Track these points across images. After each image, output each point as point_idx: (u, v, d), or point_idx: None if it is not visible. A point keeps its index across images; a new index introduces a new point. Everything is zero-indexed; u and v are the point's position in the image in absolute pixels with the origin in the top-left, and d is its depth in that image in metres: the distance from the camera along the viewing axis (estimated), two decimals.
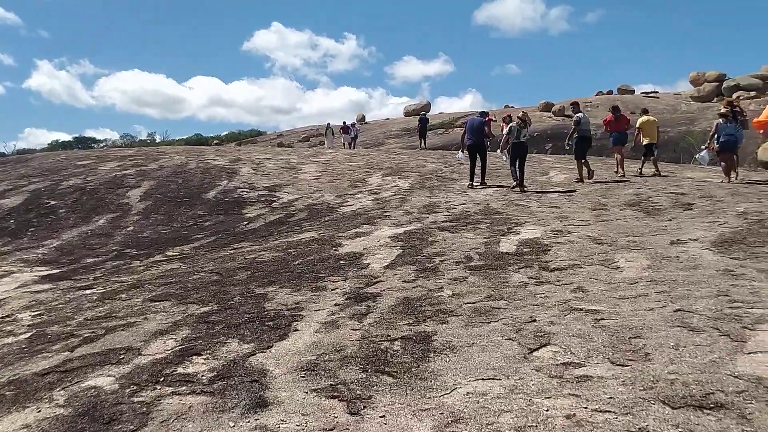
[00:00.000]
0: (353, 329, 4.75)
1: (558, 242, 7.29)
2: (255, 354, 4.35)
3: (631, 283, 5.45)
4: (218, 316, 5.31)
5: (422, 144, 29.57)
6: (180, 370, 4.18)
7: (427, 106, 75.72)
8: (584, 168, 13.28)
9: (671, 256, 6.28)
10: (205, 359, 4.34)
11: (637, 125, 14.66)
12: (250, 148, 30.53)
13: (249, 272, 6.85)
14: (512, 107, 62.66)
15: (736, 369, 3.46)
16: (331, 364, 4.08)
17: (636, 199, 10.15)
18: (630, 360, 3.76)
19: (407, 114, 69.90)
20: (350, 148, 30.30)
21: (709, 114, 46.82)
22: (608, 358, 3.82)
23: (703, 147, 13.39)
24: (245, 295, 5.89)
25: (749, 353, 3.66)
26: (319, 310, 5.31)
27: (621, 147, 14.55)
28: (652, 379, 3.46)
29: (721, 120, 12.49)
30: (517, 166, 12.51)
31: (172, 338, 4.86)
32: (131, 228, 11.59)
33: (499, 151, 13.67)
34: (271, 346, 4.48)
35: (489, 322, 4.71)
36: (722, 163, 12.58)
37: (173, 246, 9.79)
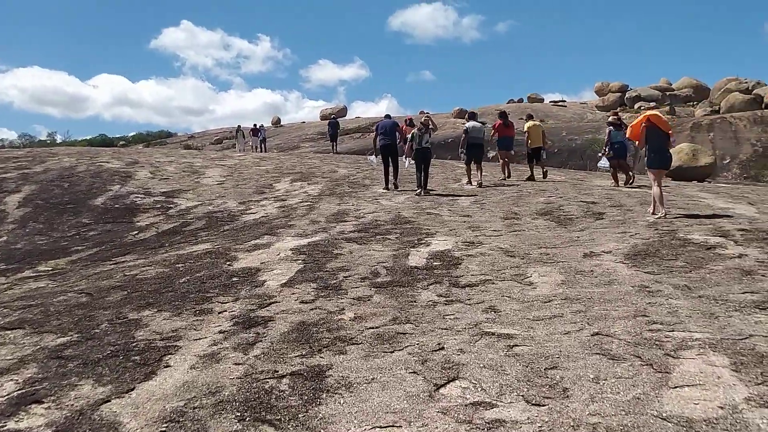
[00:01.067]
0: (236, 363, 4.08)
1: (469, 255, 6.88)
2: (110, 400, 3.59)
3: (546, 302, 5.07)
4: (76, 349, 4.49)
5: (334, 148, 29.26)
6: (10, 425, 3.37)
7: (343, 111, 75.38)
8: (479, 172, 13.61)
9: (585, 270, 5.98)
10: (46, 408, 3.54)
11: (524, 130, 15.11)
12: (153, 150, 28.89)
13: (125, 292, 6.01)
14: (427, 113, 63.30)
15: (663, 408, 3.07)
16: (201, 411, 3.40)
17: (547, 208, 9.97)
18: (547, 398, 3.30)
19: (323, 117, 69.39)
20: (262, 152, 29.42)
21: None
22: (523, 396, 3.35)
23: (600, 154, 14.05)
24: (114, 322, 5.07)
25: (675, 387, 3.29)
26: (199, 339, 4.60)
27: (508, 152, 15.14)
28: (572, 423, 3.01)
29: (612, 128, 13.18)
30: (421, 171, 12.47)
31: (12, 380, 4.02)
32: (4, 238, 10.33)
33: (404, 157, 13.70)
34: (133, 389, 3.74)
35: (392, 351, 4.16)
36: (612, 168, 13.32)
37: (48, 259, 8.71)
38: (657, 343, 3.92)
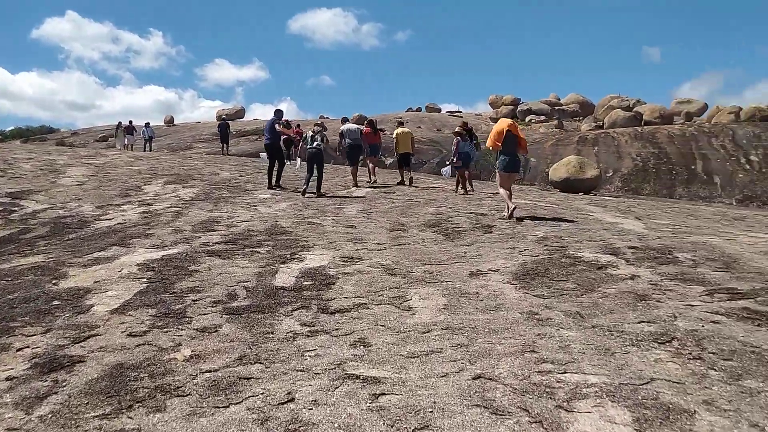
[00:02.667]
0: (9, 429, 3.03)
1: (346, 272, 6.08)
2: None
3: (424, 332, 4.35)
4: None
5: (224, 149, 27.93)
6: None
7: (241, 112, 73.06)
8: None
9: (470, 291, 5.35)
10: None
11: (393, 136, 15.68)
12: (17, 146, 26.14)
13: None
14: (327, 117, 62.43)
15: None
16: None
17: (436, 219, 9.39)
18: None
19: (219, 118, 67.00)
20: (147, 151, 27.49)
21: None
22: None
23: (447, 162, 14.86)
24: None
25: None
26: None
27: (374, 157, 15.86)
28: None
29: (460, 138, 13.80)
30: (314, 173, 12.55)
31: None
32: None
33: (297, 158, 14.44)
34: None
35: (227, 406, 3.27)
36: (457, 176, 14.11)
37: None
38: (548, 390, 3.27)
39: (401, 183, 15.07)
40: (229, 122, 33.49)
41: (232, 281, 5.77)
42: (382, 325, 4.55)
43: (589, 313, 4.63)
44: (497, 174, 9.94)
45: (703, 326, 4.19)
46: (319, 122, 13.78)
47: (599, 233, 7.88)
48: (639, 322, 4.36)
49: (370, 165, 15.62)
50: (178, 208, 10.26)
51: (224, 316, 4.82)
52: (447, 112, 72.75)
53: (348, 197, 12.18)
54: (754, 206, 30.36)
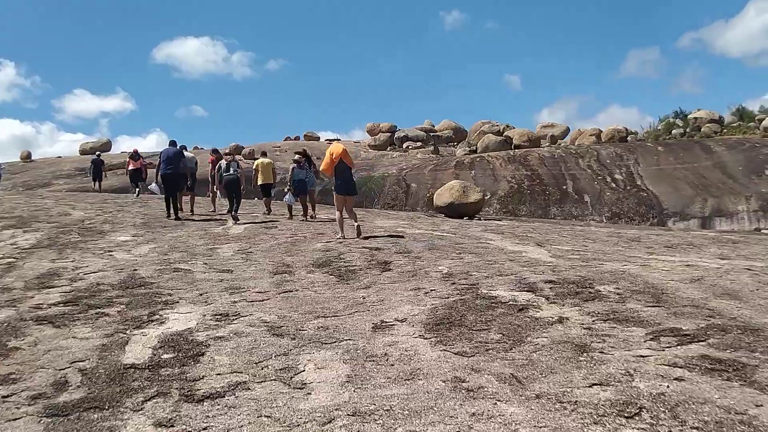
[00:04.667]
0: None
1: (220, 337, 4.84)
2: None
3: (324, 422, 3.25)
4: None
5: (96, 186, 25.51)
6: None
7: (107, 144, 68.17)
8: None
9: (377, 353, 4.31)
10: None
11: (254, 167, 15.76)
12: None
13: None
14: (202, 148, 59.52)
15: None
16: None
17: (325, 257, 8.31)
18: None
19: (83, 152, 62.24)
20: None
21: (385, 161, 50.34)
22: None
23: (286, 190, 14.84)
24: None
25: None
26: None
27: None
28: None
29: (295, 165, 14.20)
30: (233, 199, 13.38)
31: None
32: None
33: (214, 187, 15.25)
34: None
35: None
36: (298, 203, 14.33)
37: None
38: None
39: (268, 213, 15.11)
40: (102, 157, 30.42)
41: (64, 361, 4.35)
42: (267, 416, 3.39)
43: (527, 375, 3.74)
44: (335, 197, 10.50)
45: (668, 387, 3.42)
46: (229, 153, 15.27)
47: (507, 265, 7.16)
48: (590, 386, 3.52)
49: (212, 193, 15.96)
50: (11, 259, 8.43)
51: (43, 420, 3.44)
52: (326, 140, 72.05)
53: (223, 236, 10.81)
54: (623, 222, 31.96)
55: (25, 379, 4.04)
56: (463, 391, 3.57)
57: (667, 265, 7.05)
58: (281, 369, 4.10)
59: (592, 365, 3.81)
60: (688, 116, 54.61)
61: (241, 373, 4.06)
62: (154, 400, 3.68)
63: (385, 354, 4.31)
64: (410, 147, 60.84)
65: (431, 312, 5.29)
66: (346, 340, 4.66)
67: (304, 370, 4.07)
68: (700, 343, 4.07)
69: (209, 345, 4.64)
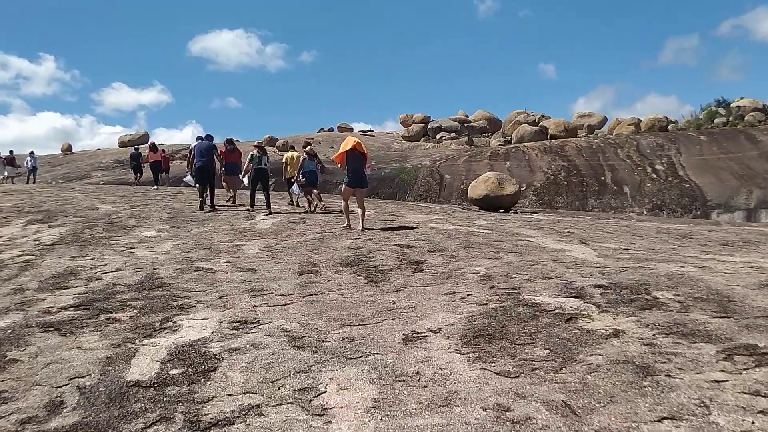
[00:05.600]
0: None
1: (236, 348, 4.40)
2: None
3: None
4: None
5: (135, 179, 25.81)
6: None
7: (144, 137, 68.99)
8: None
9: (408, 372, 3.82)
10: None
11: (283, 160, 15.92)
12: None
13: None
14: (237, 140, 59.83)
15: None
16: None
17: (355, 255, 7.84)
18: None
19: (122, 144, 63.34)
20: (30, 183, 24.67)
21: (419, 152, 49.78)
22: None
23: (293, 180, 14.80)
24: None
25: None
26: None
27: (233, 177, 15.97)
28: None
29: (306, 157, 14.16)
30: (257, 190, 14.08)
31: None
32: None
33: (241, 175, 15.33)
34: None
35: None
36: (307, 195, 14.46)
37: None
38: None
39: (291, 203, 15.51)
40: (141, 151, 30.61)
41: (63, 377, 3.96)
42: None
43: (582, 404, 3.20)
44: (343, 187, 10.63)
45: (753, 424, 2.85)
46: (257, 143, 14.61)
47: (550, 266, 6.59)
48: (660, 419, 2.97)
49: (225, 185, 16.07)
50: (31, 257, 8.18)
51: None
52: (359, 131, 71.79)
53: (250, 231, 10.43)
54: (664, 215, 30.84)
55: (17, 399, 3.66)
56: (507, 423, 3.06)
57: (728, 266, 6.38)
58: (300, 390, 3.64)
59: (658, 392, 3.25)
60: (731, 104, 52.63)
61: (255, 393, 3.62)
62: (155, 427, 3.25)
63: (417, 372, 3.81)
64: (444, 138, 60.15)
65: (468, 321, 4.77)
66: (374, 354, 4.18)
67: (325, 392, 3.60)
68: None
69: (223, 359, 4.20)
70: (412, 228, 10.33)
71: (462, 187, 35.07)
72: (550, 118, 58.26)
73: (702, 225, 13.92)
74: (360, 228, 10.08)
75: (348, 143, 10.41)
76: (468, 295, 5.59)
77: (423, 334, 4.58)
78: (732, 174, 34.23)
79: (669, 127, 48.64)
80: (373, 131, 73.82)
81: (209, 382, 3.82)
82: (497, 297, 5.40)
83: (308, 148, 14.59)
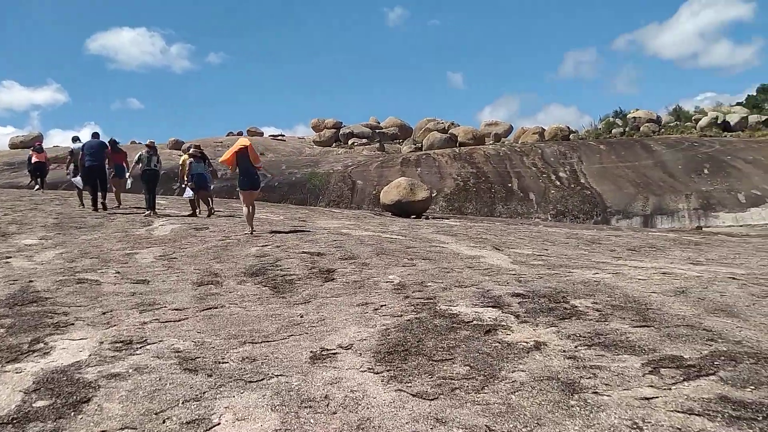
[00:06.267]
0: None
1: (116, 374, 3.81)
2: None
3: None
4: None
5: (40, 185, 22.93)
6: None
7: (38, 138, 64.65)
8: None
9: (315, 396, 3.39)
10: None
11: (180, 162, 15.14)
12: None
13: None
14: (139, 143, 56.93)
15: None
16: None
17: (260, 263, 7.31)
18: None
19: (14, 146, 59.01)
20: None
21: (330, 157, 49.39)
22: None
23: (183, 185, 14.30)
24: None
25: None
26: None
27: (119, 179, 15.28)
28: None
29: (193, 160, 13.72)
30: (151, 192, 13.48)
31: None
32: None
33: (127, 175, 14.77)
34: None
35: None
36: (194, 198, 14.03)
37: None
38: None
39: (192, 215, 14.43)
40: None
41: None
42: None
43: (507, 429, 2.89)
44: (240, 193, 10.51)
45: None
46: (149, 143, 14.10)
47: (466, 273, 6.35)
48: None
49: (114, 188, 15.26)
50: None
51: None
52: (270, 136, 70.42)
53: (145, 239, 9.64)
54: (567, 220, 31.97)
55: None
56: None
57: (641, 272, 6.37)
58: (189, 422, 3.13)
59: (587, 413, 3.00)
60: (627, 115, 55.64)
61: (135, 429, 3.07)
62: None
63: (326, 396, 3.39)
64: (356, 143, 60.10)
65: (382, 335, 4.41)
66: (277, 376, 3.72)
67: (218, 423, 3.12)
68: (711, 377, 3.32)
69: (99, 387, 3.61)
70: (323, 234, 9.89)
71: (374, 192, 34.97)
72: (459, 126, 59.43)
73: (607, 231, 14.33)
74: (250, 231, 9.94)
75: (237, 145, 10.28)
76: (381, 306, 5.23)
77: (333, 351, 4.16)
78: (629, 182, 36.03)
79: (571, 137, 50.81)
80: (284, 136, 72.64)
81: (80, 416, 3.24)
82: (412, 308, 5.08)
83: (192, 150, 14.22)
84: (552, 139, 48.91)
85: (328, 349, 4.21)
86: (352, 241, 9.00)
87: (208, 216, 13.37)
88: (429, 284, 5.87)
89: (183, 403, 3.37)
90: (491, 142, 54.56)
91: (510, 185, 38.65)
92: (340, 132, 63.46)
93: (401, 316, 4.87)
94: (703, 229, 27.27)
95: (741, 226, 28.67)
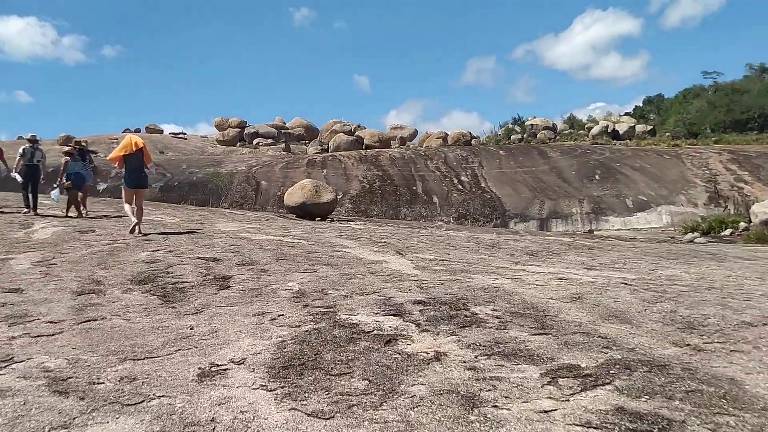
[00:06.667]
0: None
1: None
2: None
3: None
4: None
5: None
6: None
7: None
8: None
9: (201, 420, 3.12)
10: None
11: (63, 160, 14.31)
12: None
13: None
14: (23, 138, 53.04)
15: None
16: None
17: (150, 270, 6.85)
18: None
19: None
20: None
21: (234, 157, 48.17)
22: None
23: (55, 185, 13.78)
24: None
25: None
26: None
27: None
28: None
29: (70, 158, 13.21)
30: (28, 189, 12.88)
31: None
32: None
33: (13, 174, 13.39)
34: None
35: None
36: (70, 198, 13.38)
37: None
38: None
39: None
40: None
41: None
42: None
43: None
44: (123, 189, 10.27)
45: None
46: (30, 137, 13.36)
47: (368, 280, 6.21)
48: None
49: None
50: None
51: None
52: (170, 133, 67.73)
53: (25, 242, 8.85)
54: (469, 223, 32.77)
55: None
56: None
57: (538, 278, 6.48)
58: None
59: (487, 429, 2.91)
60: (525, 123, 57.93)
61: None
62: None
63: (212, 419, 3.12)
64: (261, 144, 59.04)
65: (278, 348, 4.17)
66: (159, 397, 3.41)
67: None
68: (607, 387, 3.34)
69: None
70: (221, 238, 9.46)
71: (279, 194, 34.39)
72: (365, 128, 59.71)
73: (507, 234, 14.70)
74: (137, 232, 9.60)
75: (126, 142, 10.06)
76: (279, 315, 4.98)
77: (223, 367, 3.88)
78: (527, 186, 37.43)
79: (472, 142, 52.23)
80: (185, 134, 70.14)
81: None
82: (311, 317, 4.87)
83: (68, 148, 13.74)
84: (455, 144, 50.10)
85: (218, 365, 3.93)
86: (252, 245, 8.65)
87: (78, 216, 12.77)
88: (330, 292, 5.68)
89: (48, 431, 3.00)
90: (397, 145, 55.14)
91: (414, 188, 39.19)
92: (245, 131, 62.18)
93: (299, 326, 4.65)
94: (594, 232, 28.75)
95: (629, 229, 30.47)
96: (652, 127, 54.79)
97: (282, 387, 3.52)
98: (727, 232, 23.08)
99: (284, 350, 4.12)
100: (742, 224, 23.55)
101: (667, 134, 51.04)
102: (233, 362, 3.97)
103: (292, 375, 3.70)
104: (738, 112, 50.17)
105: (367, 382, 3.54)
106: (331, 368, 3.77)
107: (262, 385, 3.57)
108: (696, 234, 22.75)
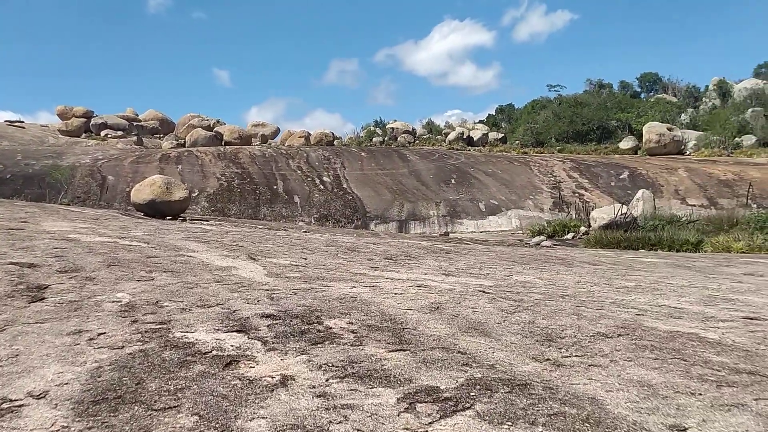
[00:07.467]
0: None
1: None
2: None
3: None
4: None
5: None
6: None
7: None
8: None
9: None
10: None
11: None
12: None
13: None
14: None
15: None
16: None
17: None
18: None
19: None
20: None
21: (78, 149, 44.43)
22: None
23: None
24: None
25: None
26: None
27: None
28: None
29: None
30: None
31: None
32: None
33: None
34: None
35: None
36: None
37: None
38: None
39: None
40: None
41: None
42: None
43: None
44: None
45: None
46: None
47: (213, 289, 5.58)
48: None
49: None
50: None
51: None
52: (5, 121, 61.21)
53: None
54: (330, 225, 32.54)
55: None
56: None
57: (397, 285, 6.20)
58: None
59: None
60: (387, 126, 58.98)
61: None
62: None
63: None
64: (109, 136, 55.30)
65: (92, 377, 3.47)
66: None
67: None
68: (467, 412, 3.05)
69: None
70: (45, 240, 8.29)
71: (127, 190, 32.03)
72: (225, 124, 57.76)
73: (367, 237, 14.51)
74: None
75: None
76: (100, 334, 4.25)
77: (18, 403, 3.14)
78: (387, 188, 37.92)
79: (335, 143, 52.21)
80: (23, 122, 63.77)
81: None
82: (139, 336, 4.19)
83: None
84: (317, 144, 49.79)
85: (11, 400, 3.17)
86: (80, 248, 7.61)
87: None
88: (166, 304, 5.00)
89: None
90: (258, 142, 53.83)
91: (275, 187, 38.34)
92: (92, 122, 57.94)
93: (123, 347, 3.96)
94: (450, 234, 29.63)
95: (481, 232, 31.79)
96: (503, 134, 58.01)
97: (88, 428, 2.88)
98: (570, 235, 24.68)
99: (99, 379, 3.44)
100: (583, 228, 25.31)
101: (516, 142, 54.25)
102: (32, 396, 3.23)
103: (104, 411, 3.05)
104: (579, 124, 54.43)
105: (197, 417, 2.99)
106: (155, 401, 3.17)
107: (63, 427, 2.90)
108: (542, 237, 24.12)
